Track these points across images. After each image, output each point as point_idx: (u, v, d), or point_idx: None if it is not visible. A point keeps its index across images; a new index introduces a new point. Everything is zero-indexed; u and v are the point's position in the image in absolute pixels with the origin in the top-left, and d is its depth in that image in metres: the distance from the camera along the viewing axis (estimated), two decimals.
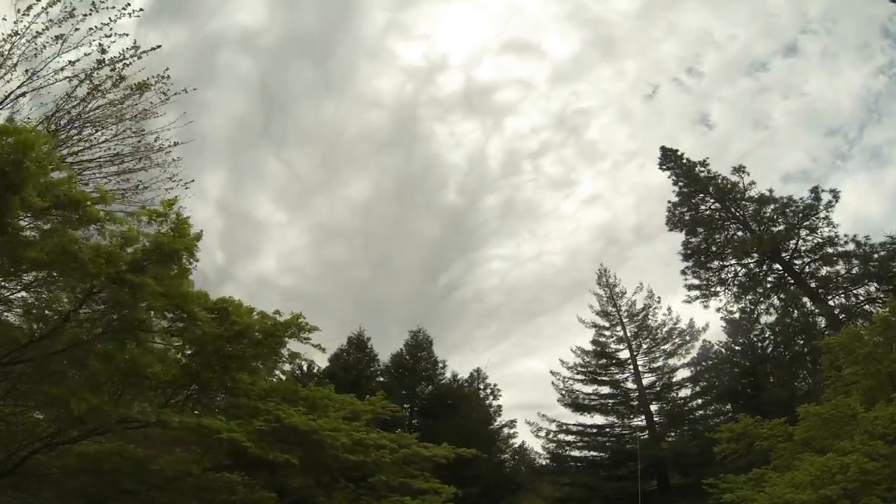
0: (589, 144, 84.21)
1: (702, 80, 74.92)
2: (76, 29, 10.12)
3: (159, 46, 10.76)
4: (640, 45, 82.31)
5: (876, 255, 23.56)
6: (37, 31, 9.89)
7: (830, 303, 24.34)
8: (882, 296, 21.81)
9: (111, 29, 10.25)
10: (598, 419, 29.37)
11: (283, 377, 11.11)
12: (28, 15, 9.72)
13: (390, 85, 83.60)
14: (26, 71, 10.05)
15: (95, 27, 10.20)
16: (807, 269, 25.69)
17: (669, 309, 30.19)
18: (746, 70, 73.37)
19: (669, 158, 29.39)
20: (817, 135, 69.68)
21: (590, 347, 30.86)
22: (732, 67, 73.44)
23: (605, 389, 29.99)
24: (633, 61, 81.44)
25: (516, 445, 36.13)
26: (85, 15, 10.07)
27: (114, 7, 10.16)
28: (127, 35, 10.49)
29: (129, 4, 10.23)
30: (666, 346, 29.59)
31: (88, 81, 10.43)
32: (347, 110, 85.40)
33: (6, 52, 9.66)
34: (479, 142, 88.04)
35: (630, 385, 29.49)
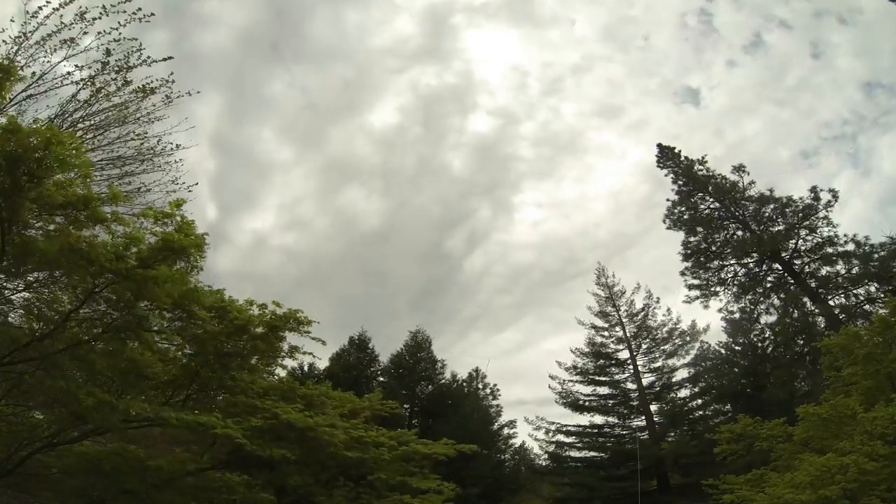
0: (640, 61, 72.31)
1: None
2: (84, 32, 10.11)
3: (171, 58, 10.76)
4: None
5: (876, 255, 23.53)
6: (44, 35, 9.88)
7: (830, 303, 24.32)
8: (882, 296, 21.79)
9: (119, 33, 10.25)
10: (598, 419, 29.44)
11: (283, 375, 11.13)
12: (36, 17, 9.71)
13: None
14: (32, 74, 10.06)
15: (104, 31, 10.18)
16: (807, 269, 25.67)
17: (669, 309, 30.31)
18: None
19: (667, 157, 29.22)
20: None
21: (589, 348, 30.90)
22: None
23: (605, 390, 29.99)
24: None
25: (516, 445, 36.17)
26: (94, 19, 10.05)
27: (124, 11, 10.13)
28: (136, 40, 10.46)
29: (139, 9, 10.19)
30: (666, 347, 29.61)
31: (92, 84, 10.43)
32: (372, 19, 70.87)
33: (12, 54, 9.66)
34: (517, 56, 75.88)
35: (630, 385, 29.51)
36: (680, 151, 28.99)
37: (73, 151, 6.87)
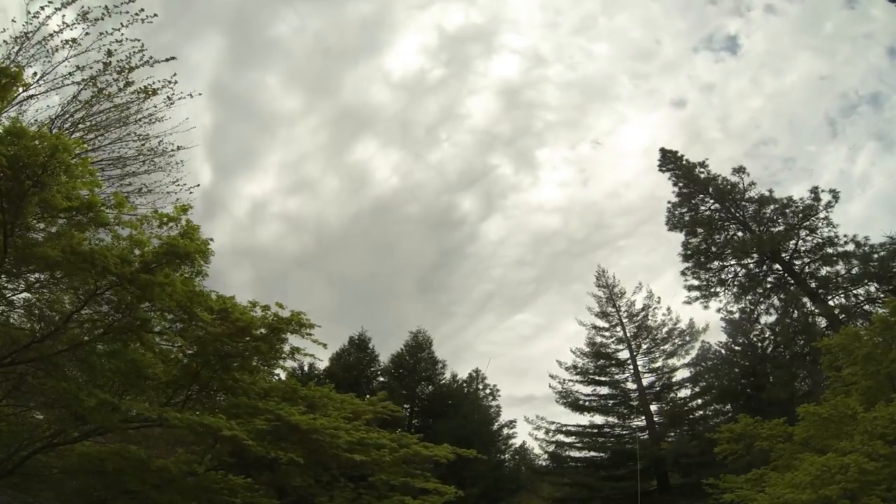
0: None
1: None
2: (87, 33, 10.11)
3: (174, 58, 10.75)
4: None
5: (876, 255, 23.54)
6: (46, 35, 9.88)
7: (830, 303, 24.32)
8: (882, 296, 21.81)
9: (122, 34, 10.25)
10: (598, 419, 29.45)
11: (284, 376, 11.12)
12: (38, 17, 9.71)
13: None
14: (34, 74, 10.06)
15: (106, 32, 10.19)
16: (807, 270, 25.68)
17: (669, 309, 30.34)
18: None
19: (669, 160, 29.38)
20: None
21: (589, 348, 30.93)
22: None
23: (605, 390, 30.03)
24: None
25: (516, 446, 36.19)
26: (97, 19, 10.05)
27: (127, 12, 10.12)
28: (139, 41, 10.46)
29: (142, 10, 10.19)
30: (666, 347, 29.66)
31: (94, 85, 10.43)
32: None
33: (14, 54, 9.66)
34: None
35: (630, 385, 29.54)
36: (682, 155, 29.17)
37: (80, 160, 6.90)
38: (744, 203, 27.47)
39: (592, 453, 29.52)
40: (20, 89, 8.85)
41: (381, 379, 31.36)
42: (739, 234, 27.48)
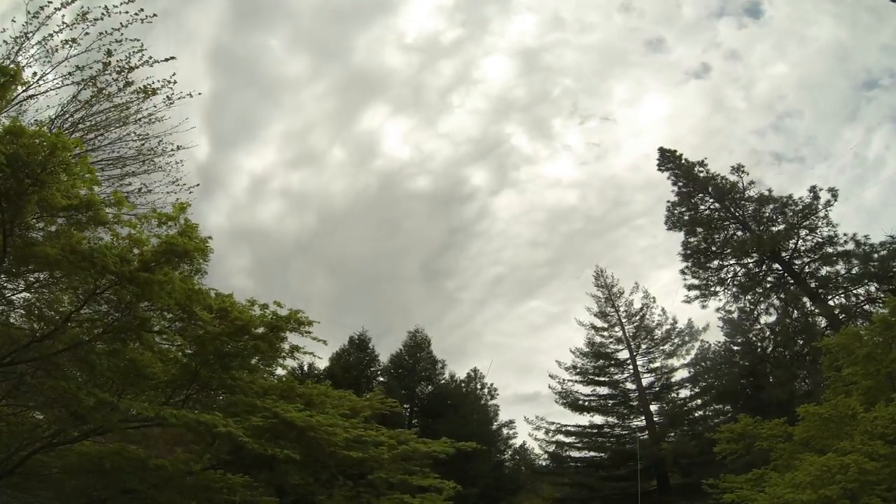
0: None
1: None
2: (86, 33, 10.10)
3: (173, 58, 10.74)
4: None
5: (876, 255, 23.53)
6: (46, 35, 9.88)
7: (830, 303, 24.31)
8: (882, 296, 21.79)
9: (122, 34, 10.24)
10: (598, 419, 29.47)
11: (283, 374, 11.12)
12: (38, 17, 9.70)
13: None
14: (34, 74, 10.06)
15: (106, 31, 10.17)
16: (806, 269, 25.67)
17: (664, 310, 30.37)
18: None
19: (668, 159, 29.39)
20: None
21: (588, 348, 30.94)
22: None
23: (605, 390, 30.06)
24: None
25: (516, 445, 36.18)
26: (96, 19, 10.03)
27: (126, 12, 10.11)
28: (138, 40, 10.45)
29: (141, 9, 10.18)
30: (665, 347, 29.69)
31: (94, 85, 10.42)
32: None
33: (13, 54, 9.66)
34: None
35: (630, 385, 29.56)
36: (681, 155, 29.17)
37: (79, 159, 6.89)
38: (743, 202, 27.47)
39: (592, 453, 29.57)
40: (19, 89, 8.84)
41: (381, 379, 31.39)
42: (739, 233, 27.47)
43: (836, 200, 24.95)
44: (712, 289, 27.41)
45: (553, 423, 29.55)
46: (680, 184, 28.91)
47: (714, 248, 27.66)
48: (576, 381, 30.28)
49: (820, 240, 25.24)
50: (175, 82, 10.99)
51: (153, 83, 10.88)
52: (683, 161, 28.92)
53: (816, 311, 24.44)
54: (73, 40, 10.07)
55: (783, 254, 25.78)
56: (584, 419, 29.54)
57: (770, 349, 26.92)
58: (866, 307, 23.05)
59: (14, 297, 8.88)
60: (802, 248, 25.77)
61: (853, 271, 24.20)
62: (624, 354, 30.04)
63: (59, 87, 10.41)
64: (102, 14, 10.05)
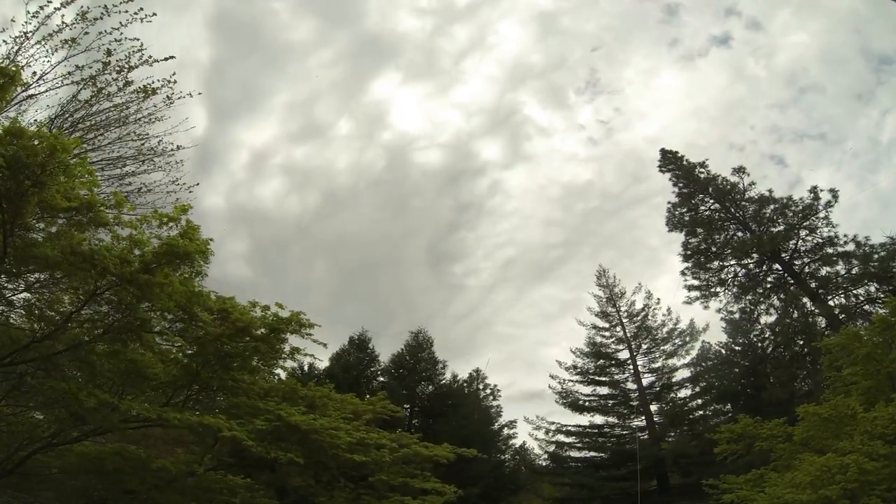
0: None
1: None
2: (86, 32, 10.10)
3: (173, 57, 10.74)
4: None
5: (876, 256, 23.54)
6: (45, 34, 9.87)
7: (830, 303, 24.33)
8: (882, 296, 21.80)
9: (121, 33, 10.24)
10: (598, 419, 29.47)
11: (284, 376, 11.12)
12: (37, 17, 9.70)
13: None
14: (33, 74, 10.06)
15: (105, 31, 10.17)
16: (807, 270, 25.69)
17: (669, 309, 30.37)
18: None
19: (669, 160, 29.42)
20: None
21: (589, 348, 30.94)
22: None
23: (605, 390, 30.05)
24: None
25: (516, 445, 36.17)
26: (96, 19, 10.03)
27: (126, 11, 10.11)
28: (138, 40, 10.45)
29: (141, 9, 10.18)
30: (666, 347, 29.68)
31: (93, 85, 10.42)
32: None
33: (13, 54, 9.66)
34: None
35: (630, 385, 29.55)
36: (682, 156, 29.19)
37: (78, 160, 6.89)
38: (744, 203, 27.50)
39: (592, 453, 29.56)
40: (19, 89, 8.84)
41: (382, 379, 31.36)
42: (739, 234, 27.49)
43: (836, 201, 25.01)
44: (713, 289, 27.44)
45: (553, 422, 29.61)
46: (681, 184, 28.95)
47: (714, 249, 27.68)
48: (576, 381, 30.32)
49: (820, 240, 25.26)
50: (175, 82, 11.01)
51: (153, 83, 10.90)
52: (684, 162, 28.97)
53: (816, 311, 24.45)
54: (73, 40, 10.08)
55: (783, 254, 25.79)
56: (584, 419, 29.60)
57: (770, 349, 26.94)
58: (866, 307, 23.06)
59: (14, 298, 8.87)
60: (802, 249, 25.79)
61: (853, 272, 24.22)
62: (624, 354, 30.09)
63: (58, 87, 10.43)
64: (102, 14, 10.06)
